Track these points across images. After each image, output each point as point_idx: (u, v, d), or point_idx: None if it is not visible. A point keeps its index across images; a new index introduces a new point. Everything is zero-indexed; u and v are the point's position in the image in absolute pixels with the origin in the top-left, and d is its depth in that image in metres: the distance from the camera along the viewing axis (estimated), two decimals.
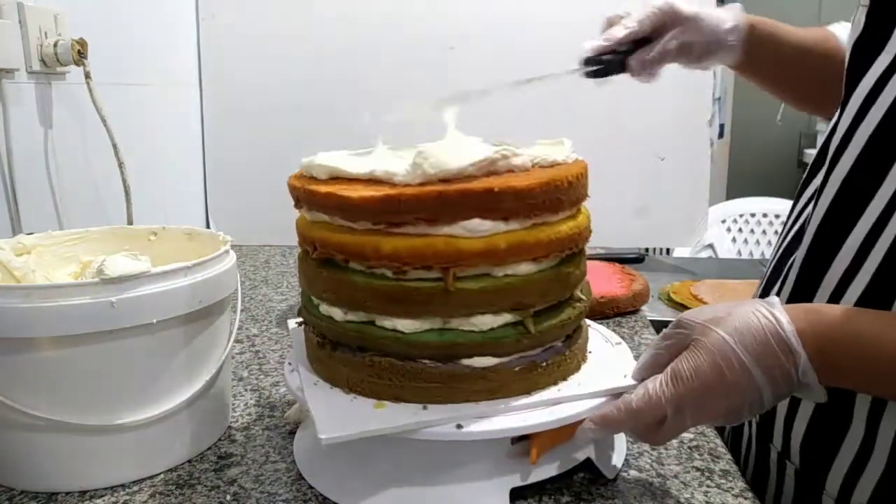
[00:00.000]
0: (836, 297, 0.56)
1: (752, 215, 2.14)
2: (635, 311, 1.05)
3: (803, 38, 0.79)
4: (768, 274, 0.69)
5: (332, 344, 0.59)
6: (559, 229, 0.55)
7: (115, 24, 1.20)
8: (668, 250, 1.87)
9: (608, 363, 0.62)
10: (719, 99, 2.69)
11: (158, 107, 1.35)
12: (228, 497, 0.57)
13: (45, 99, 1.05)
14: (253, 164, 1.49)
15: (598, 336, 0.68)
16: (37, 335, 0.54)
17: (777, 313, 0.49)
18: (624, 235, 1.44)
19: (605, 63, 0.73)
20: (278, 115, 1.47)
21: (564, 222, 0.56)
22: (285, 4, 1.44)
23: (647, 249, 1.66)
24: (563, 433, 0.56)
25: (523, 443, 0.57)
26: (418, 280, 0.53)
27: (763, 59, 0.78)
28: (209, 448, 0.65)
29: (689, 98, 1.41)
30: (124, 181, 1.11)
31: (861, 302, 0.54)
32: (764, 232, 2.12)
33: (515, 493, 0.55)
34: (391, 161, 0.58)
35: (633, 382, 0.56)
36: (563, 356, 0.58)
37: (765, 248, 2.10)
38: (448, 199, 0.51)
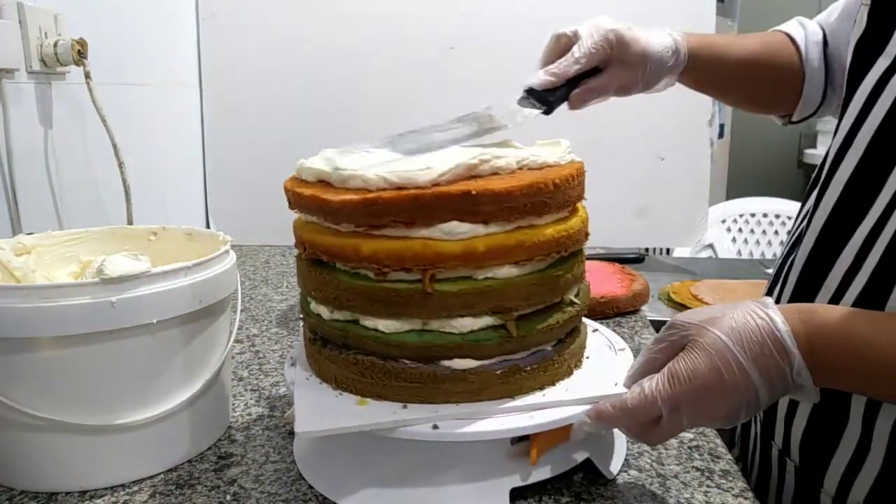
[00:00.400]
0: (836, 299, 0.56)
1: (752, 215, 2.14)
2: (635, 311, 1.05)
3: (751, 51, 0.80)
4: (773, 275, 0.69)
5: (321, 341, 0.60)
6: (544, 233, 0.55)
7: (115, 24, 1.20)
8: (668, 250, 1.87)
9: (604, 369, 0.61)
10: None
11: (158, 107, 1.35)
12: (228, 497, 0.57)
13: (45, 99, 1.04)
14: (253, 164, 1.49)
15: (602, 340, 0.67)
16: (37, 335, 0.54)
17: (772, 313, 0.49)
18: (624, 235, 1.44)
19: (546, 105, 0.71)
20: (278, 115, 1.47)
21: (551, 226, 0.55)
22: (285, 4, 1.44)
23: (647, 249, 1.66)
24: (564, 434, 0.55)
25: (523, 443, 0.57)
26: (398, 282, 0.53)
27: (704, 74, 0.79)
28: (209, 448, 0.65)
29: (689, 98, 1.40)
30: (124, 181, 1.11)
31: (859, 302, 0.54)
32: (764, 232, 2.12)
33: (515, 493, 0.56)
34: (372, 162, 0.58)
35: (622, 391, 0.55)
36: (552, 361, 0.58)
37: (765, 248, 2.10)
38: (424, 202, 0.51)
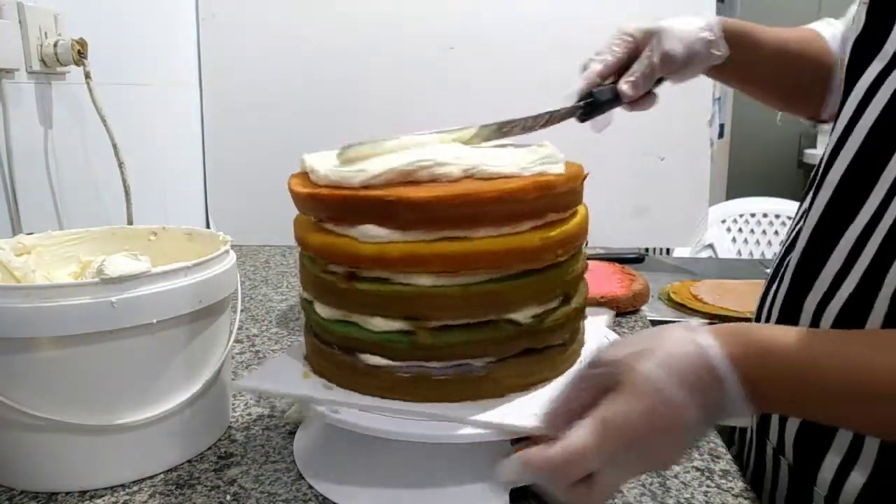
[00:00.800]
0: (828, 298, 0.57)
1: (752, 215, 2.14)
2: (635, 311, 1.05)
3: (784, 40, 0.78)
4: (770, 275, 0.69)
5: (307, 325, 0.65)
6: (475, 246, 0.52)
7: (115, 24, 1.20)
8: (668, 250, 1.87)
9: (540, 396, 0.55)
10: (719, 99, 2.69)
11: (158, 107, 1.35)
12: (228, 497, 0.57)
13: (45, 99, 1.05)
14: (253, 164, 1.49)
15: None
16: (37, 335, 0.54)
17: (701, 339, 0.45)
18: (624, 235, 1.44)
19: (594, 98, 0.72)
20: (278, 115, 1.47)
21: (488, 240, 0.53)
22: (285, 4, 1.44)
23: (647, 249, 1.66)
24: None
25: (524, 444, 0.57)
26: (332, 273, 0.57)
27: (739, 60, 0.76)
28: (209, 448, 0.65)
29: (689, 98, 1.41)
30: (124, 181, 1.11)
31: (850, 301, 0.55)
32: (764, 232, 2.12)
33: (515, 494, 0.55)
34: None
35: (534, 425, 0.50)
36: (477, 376, 0.55)
37: (765, 248, 2.10)
38: (349, 203, 0.54)
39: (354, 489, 0.57)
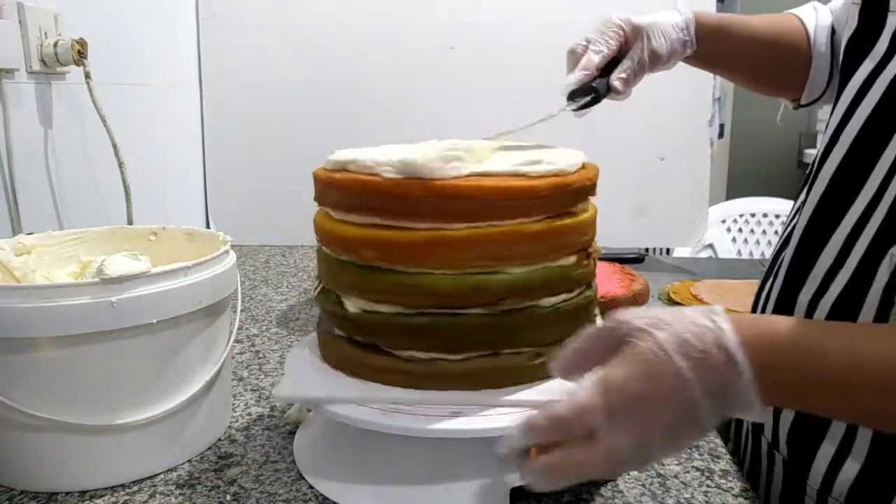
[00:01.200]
0: (821, 292, 0.57)
1: (752, 215, 2.14)
2: None
3: (758, 30, 0.80)
4: (766, 270, 0.70)
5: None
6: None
7: (115, 24, 1.20)
8: (668, 250, 1.87)
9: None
10: (719, 99, 2.69)
11: (158, 107, 1.35)
12: (228, 497, 0.57)
13: (45, 99, 1.05)
14: (253, 164, 1.49)
15: None
16: (37, 335, 0.54)
17: (720, 321, 0.44)
18: (624, 235, 1.44)
19: (594, 92, 0.75)
20: (278, 115, 1.47)
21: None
22: (285, 4, 1.44)
23: (647, 249, 1.66)
24: None
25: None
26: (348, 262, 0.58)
27: (713, 52, 0.80)
28: (209, 448, 0.65)
29: (689, 98, 1.41)
30: (124, 181, 1.11)
31: (842, 296, 0.55)
32: (764, 232, 2.12)
33: (515, 494, 0.55)
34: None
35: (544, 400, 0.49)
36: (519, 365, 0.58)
37: (765, 248, 2.10)
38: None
39: (354, 489, 0.57)
